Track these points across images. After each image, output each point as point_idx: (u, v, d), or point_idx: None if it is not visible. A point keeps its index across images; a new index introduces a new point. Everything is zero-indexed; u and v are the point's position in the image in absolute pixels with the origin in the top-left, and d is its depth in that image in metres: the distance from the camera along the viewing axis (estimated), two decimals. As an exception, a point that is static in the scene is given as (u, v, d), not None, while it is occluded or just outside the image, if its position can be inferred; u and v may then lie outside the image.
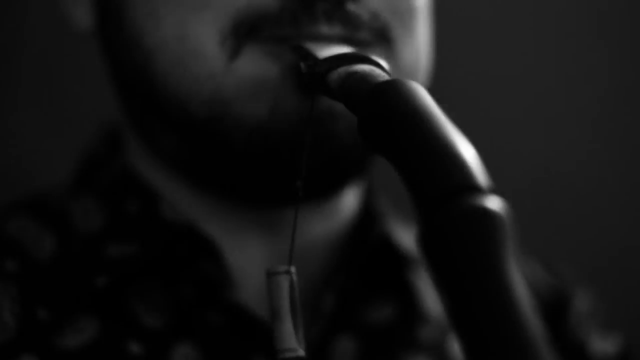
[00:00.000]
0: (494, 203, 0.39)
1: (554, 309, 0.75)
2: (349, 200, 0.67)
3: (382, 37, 0.59)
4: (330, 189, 0.63)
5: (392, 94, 0.44)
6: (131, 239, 0.62)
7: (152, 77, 0.59)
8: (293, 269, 0.49)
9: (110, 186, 0.66)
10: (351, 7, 0.57)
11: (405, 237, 0.70)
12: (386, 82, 0.46)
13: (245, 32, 0.56)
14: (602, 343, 0.76)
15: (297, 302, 0.49)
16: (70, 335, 0.59)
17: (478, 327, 0.37)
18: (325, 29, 0.56)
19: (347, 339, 0.64)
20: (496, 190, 0.41)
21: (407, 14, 0.60)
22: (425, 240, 0.40)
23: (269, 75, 0.56)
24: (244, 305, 0.61)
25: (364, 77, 0.48)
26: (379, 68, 0.50)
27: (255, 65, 0.56)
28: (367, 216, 0.68)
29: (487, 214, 0.39)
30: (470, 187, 0.40)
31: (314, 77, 0.52)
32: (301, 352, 0.47)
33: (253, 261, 0.64)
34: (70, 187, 0.69)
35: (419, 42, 0.62)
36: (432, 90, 0.46)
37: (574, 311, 0.76)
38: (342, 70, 0.50)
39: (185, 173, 0.63)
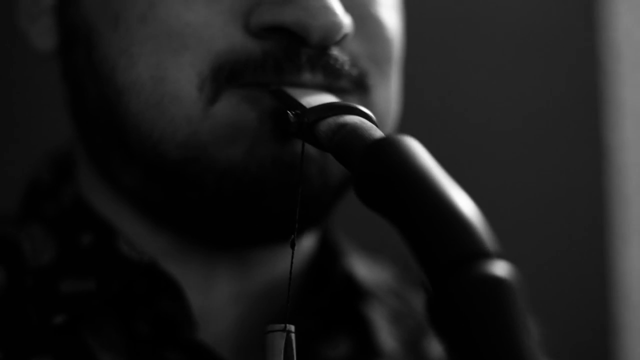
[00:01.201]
0: (503, 269, 0.40)
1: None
2: (309, 238, 0.67)
3: (359, 84, 0.58)
4: (289, 233, 0.60)
5: (391, 153, 0.44)
6: (86, 275, 0.60)
7: (123, 114, 0.57)
8: (291, 328, 0.49)
9: (60, 217, 0.64)
10: (334, 51, 0.56)
11: (362, 270, 0.70)
12: (383, 140, 0.45)
13: (225, 77, 0.55)
14: None
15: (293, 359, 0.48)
16: None
17: None
18: (308, 77, 0.55)
19: None
20: (502, 254, 0.41)
21: (384, 62, 0.60)
22: (437, 308, 0.40)
23: (247, 119, 0.55)
24: (205, 345, 0.59)
25: (356, 131, 0.48)
26: (368, 119, 0.50)
27: (233, 110, 0.55)
28: (327, 253, 0.68)
29: (499, 281, 0.39)
30: (479, 253, 0.40)
31: (301, 126, 0.51)
32: None
33: (218, 300, 0.63)
34: (16, 216, 0.67)
35: (392, 90, 0.62)
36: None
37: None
38: (332, 121, 0.50)
39: (146, 210, 0.61)
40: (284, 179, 0.56)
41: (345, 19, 0.55)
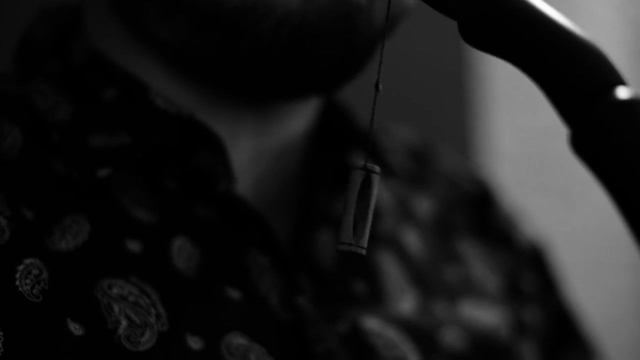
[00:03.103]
0: (632, 93, 0.41)
1: (478, 200, 0.78)
2: (315, 99, 0.67)
3: None
4: (334, 84, 0.62)
5: None
6: (115, 130, 0.58)
7: None
8: (373, 167, 0.48)
9: (68, 73, 0.62)
10: None
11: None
12: None
13: None
14: (523, 234, 0.79)
15: (370, 202, 0.48)
16: (61, 237, 0.55)
17: None
18: None
19: (325, 232, 0.64)
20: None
21: None
22: (584, 138, 0.41)
23: None
24: (244, 198, 0.60)
25: None
26: None
27: None
28: (337, 113, 0.68)
29: (637, 103, 0.41)
30: (615, 81, 0.42)
31: None
32: (356, 249, 0.46)
33: (241, 158, 0.62)
34: (15, 74, 0.63)
35: None
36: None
37: (497, 203, 0.79)
38: None
39: (182, 65, 0.61)
40: (338, 27, 0.56)
41: None
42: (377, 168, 0.48)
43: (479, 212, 0.77)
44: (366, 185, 0.47)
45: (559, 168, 1.32)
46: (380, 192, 0.68)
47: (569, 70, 0.42)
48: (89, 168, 0.57)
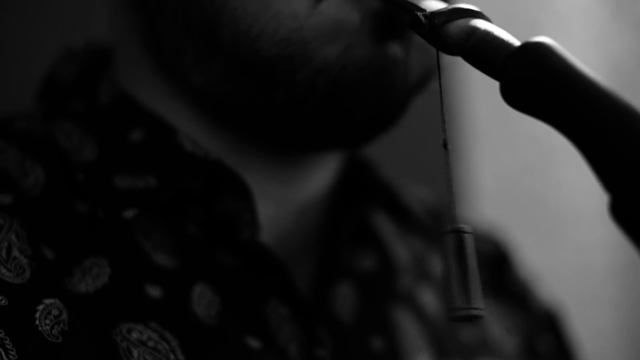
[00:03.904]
0: None
1: (495, 261, 0.78)
2: (337, 155, 0.67)
3: None
4: (367, 138, 0.62)
5: (547, 56, 0.45)
6: (142, 171, 0.58)
7: (219, 6, 0.56)
8: (469, 229, 0.48)
9: (94, 114, 0.62)
10: None
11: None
12: (535, 44, 0.46)
13: None
14: (539, 297, 0.79)
15: (467, 263, 0.47)
16: (82, 279, 0.55)
17: None
18: None
19: (346, 286, 0.64)
20: None
21: None
22: (625, 205, 0.41)
23: (349, 19, 0.55)
24: (267, 246, 0.60)
25: (491, 35, 0.48)
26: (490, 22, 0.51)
27: (339, 8, 0.55)
28: (359, 167, 0.68)
29: None
30: None
31: (433, 27, 0.51)
32: (477, 312, 0.46)
33: (267, 207, 0.62)
34: (39, 114, 0.63)
35: None
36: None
37: (514, 265, 0.79)
38: (462, 23, 0.50)
39: (213, 110, 0.60)
40: (375, 81, 0.56)
41: None
42: (468, 227, 0.48)
43: (496, 273, 0.77)
44: (460, 247, 0.48)
45: (539, 205, 1.33)
46: (399, 249, 0.69)
47: (611, 136, 0.41)
48: (114, 208, 0.56)
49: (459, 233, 0.48)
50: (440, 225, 0.76)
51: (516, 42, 0.47)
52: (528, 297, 0.78)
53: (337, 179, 0.67)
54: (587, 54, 1.38)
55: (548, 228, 1.34)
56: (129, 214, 0.56)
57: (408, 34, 0.56)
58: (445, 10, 0.52)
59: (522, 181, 1.33)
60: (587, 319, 1.34)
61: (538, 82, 0.44)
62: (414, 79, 0.59)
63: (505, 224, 1.32)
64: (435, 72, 0.58)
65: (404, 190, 0.74)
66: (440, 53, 0.52)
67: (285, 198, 0.63)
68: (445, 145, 0.50)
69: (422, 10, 0.52)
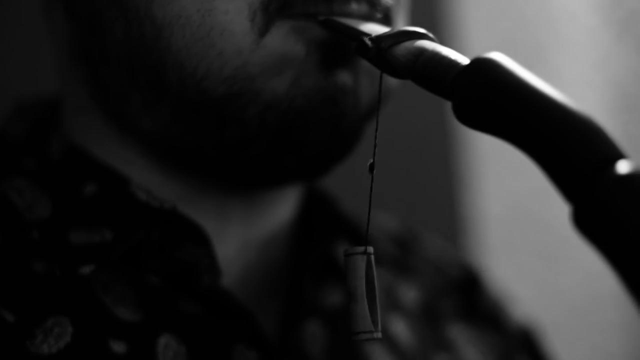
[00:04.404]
0: (635, 166, 0.41)
1: (465, 285, 0.77)
2: (296, 188, 0.67)
3: (387, 16, 0.58)
4: (322, 170, 0.61)
5: (494, 73, 0.44)
6: (97, 225, 0.57)
7: (163, 51, 0.55)
8: (371, 250, 0.49)
9: (45, 169, 0.60)
10: None
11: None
12: (482, 61, 0.45)
13: (276, 8, 0.54)
14: (513, 317, 0.78)
15: (375, 284, 0.48)
16: (44, 340, 0.53)
17: None
18: (354, 6, 0.55)
19: (314, 324, 0.64)
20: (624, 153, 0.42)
21: None
22: (585, 215, 0.41)
23: (294, 50, 0.55)
24: (229, 291, 0.59)
25: (439, 55, 0.48)
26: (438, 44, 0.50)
27: (283, 41, 0.54)
28: (317, 200, 0.68)
29: (637, 177, 0.40)
30: (615, 155, 0.41)
31: (379, 51, 0.51)
32: (377, 335, 0.47)
33: (230, 247, 0.62)
34: None
35: (405, 22, 0.62)
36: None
37: (485, 287, 0.79)
38: (409, 45, 0.50)
39: (165, 154, 0.59)
40: (326, 111, 0.56)
41: None
42: (371, 249, 0.49)
43: (466, 297, 0.77)
44: (368, 268, 0.48)
45: (547, 230, 1.33)
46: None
47: (567, 148, 0.41)
48: (71, 265, 0.56)
49: (368, 255, 0.48)
50: (406, 253, 0.76)
51: (465, 60, 0.47)
52: (501, 318, 0.77)
53: (297, 213, 0.67)
54: (591, 76, 1.37)
55: (556, 252, 1.33)
56: (85, 270, 0.56)
57: (356, 60, 0.56)
58: (391, 33, 0.51)
59: (528, 206, 1.32)
60: (596, 344, 1.34)
61: (489, 100, 0.44)
62: (365, 105, 0.58)
63: (513, 248, 1.32)
64: (387, 97, 0.59)
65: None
66: (385, 76, 0.52)
67: (246, 236, 0.63)
68: (371, 169, 0.50)
69: (368, 35, 0.52)
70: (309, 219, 0.67)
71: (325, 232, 0.67)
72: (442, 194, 1.26)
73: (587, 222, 0.41)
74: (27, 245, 0.57)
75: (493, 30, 1.35)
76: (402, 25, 0.61)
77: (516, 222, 1.33)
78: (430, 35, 0.51)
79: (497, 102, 0.44)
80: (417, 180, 1.23)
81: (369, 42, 0.51)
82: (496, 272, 1.26)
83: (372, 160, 0.50)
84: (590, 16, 1.38)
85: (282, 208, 0.65)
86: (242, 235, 0.62)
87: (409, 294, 0.73)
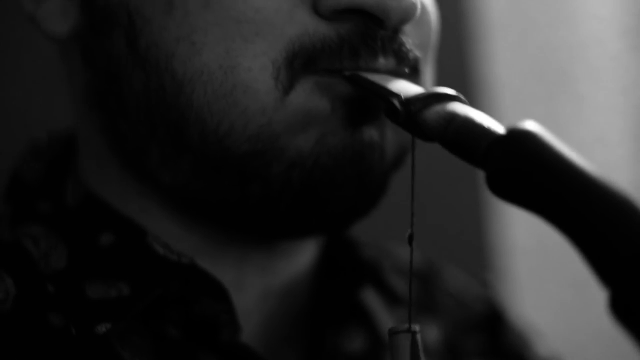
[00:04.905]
0: None
1: (490, 320, 0.75)
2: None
3: (415, 70, 0.56)
4: (346, 224, 0.60)
5: (531, 147, 0.43)
6: (113, 279, 0.55)
7: (184, 106, 0.53)
8: (417, 328, 0.48)
9: (62, 216, 0.59)
10: (402, 35, 0.55)
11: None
12: (517, 132, 0.44)
13: (300, 64, 0.52)
14: (538, 353, 0.76)
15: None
16: None
17: None
18: (382, 61, 0.53)
19: None
20: None
21: (429, 48, 0.59)
22: (626, 301, 0.39)
23: (319, 107, 0.53)
24: (248, 346, 0.57)
25: (472, 122, 0.46)
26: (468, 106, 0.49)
27: (307, 97, 0.53)
28: (340, 244, 0.66)
29: None
30: None
31: (409, 114, 0.49)
32: None
33: (250, 298, 0.60)
34: (7, 216, 0.60)
35: (431, 76, 0.60)
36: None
37: (509, 323, 0.76)
38: (439, 109, 0.48)
39: (185, 207, 0.58)
40: (352, 169, 0.54)
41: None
42: (416, 327, 0.47)
43: (490, 333, 0.75)
44: (413, 347, 0.47)
45: (573, 259, 1.31)
46: (389, 323, 0.66)
47: (608, 231, 0.39)
48: (87, 324, 0.54)
49: (413, 334, 0.47)
50: (428, 290, 0.74)
51: (499, 128, 0.45)
52: (526, 355, 0.75)
53: (319, 257, 0.65)
54: (618, 102, 1.37)
55: (584, 283, 1.32)
56: (101, 329, 0.53)
57: (382, 114, 0.54)
58: (420, 96, 0.50)
59: (556, 236, 1.31)
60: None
61: (525, 173, 0.43)
62: (390, 158, 0.57)
63: (541, 279, 1.31)
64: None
65: (387, 256, 0.71)
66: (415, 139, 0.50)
67: (266, 285, 0.61)
68: (410, 240, 0.49)
69: (397, 95, 0.51)
70: (332, 263, 0.66)
71: (350, 277, 0.65)
72: (470, 225, 1.26)
73: (625, 309, 0.39)
74: (43, 297, 0.55)
75: (519, 57, 1.35)
76: (430, 75, 0.59)
77: (544, 252, 1.32)
78: (461, 97, 0.50)
79: (533, 175, 0.42)
80: (445, 212, 1.22)
81: (398, 105, 0.50)
82: (523, 302, 1.26)
83: (410, 231, 0.49)
84: (617, 42, 1.38)
85: (302, 256, 0.63)
86: (261, 285, 0.61)
87: (432, 333, 0.72)
